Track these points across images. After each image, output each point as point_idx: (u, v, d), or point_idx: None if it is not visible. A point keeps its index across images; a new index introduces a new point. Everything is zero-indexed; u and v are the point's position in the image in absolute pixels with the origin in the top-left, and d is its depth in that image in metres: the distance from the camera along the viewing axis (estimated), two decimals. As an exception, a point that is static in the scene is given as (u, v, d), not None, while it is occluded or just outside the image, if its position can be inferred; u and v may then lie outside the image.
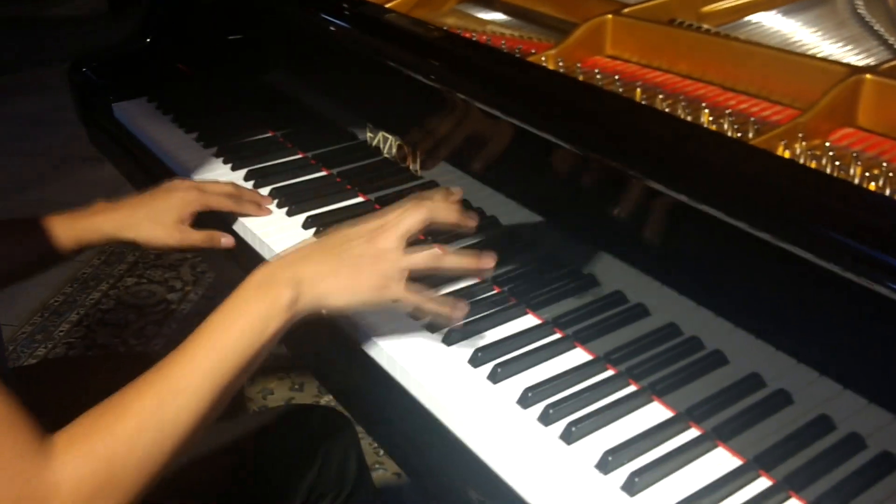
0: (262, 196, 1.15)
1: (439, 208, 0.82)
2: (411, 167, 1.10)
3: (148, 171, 1.36)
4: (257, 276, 0.76)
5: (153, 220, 1.03)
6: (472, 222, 0.85)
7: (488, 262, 0.83)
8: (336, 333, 0.90)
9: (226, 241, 1.08)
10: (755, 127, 0.90)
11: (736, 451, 0.73)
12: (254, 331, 0.72)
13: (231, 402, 0.74)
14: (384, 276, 0.78)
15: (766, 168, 0.76)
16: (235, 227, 1.12)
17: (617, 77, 1.04)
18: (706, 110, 0.94)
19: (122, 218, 1.04)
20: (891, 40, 1.07)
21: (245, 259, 1.09)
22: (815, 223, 0.68)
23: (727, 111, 0.94)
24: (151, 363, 0.71)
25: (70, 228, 1.02)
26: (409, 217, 0.79)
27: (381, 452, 1.77)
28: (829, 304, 0.70)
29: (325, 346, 0.93)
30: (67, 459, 0.66)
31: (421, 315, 0.85)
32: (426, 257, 0.79)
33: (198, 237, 1.06)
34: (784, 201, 0.71)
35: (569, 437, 0.75)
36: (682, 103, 0.96)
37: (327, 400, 1.96)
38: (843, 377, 0.69)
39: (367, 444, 1.48)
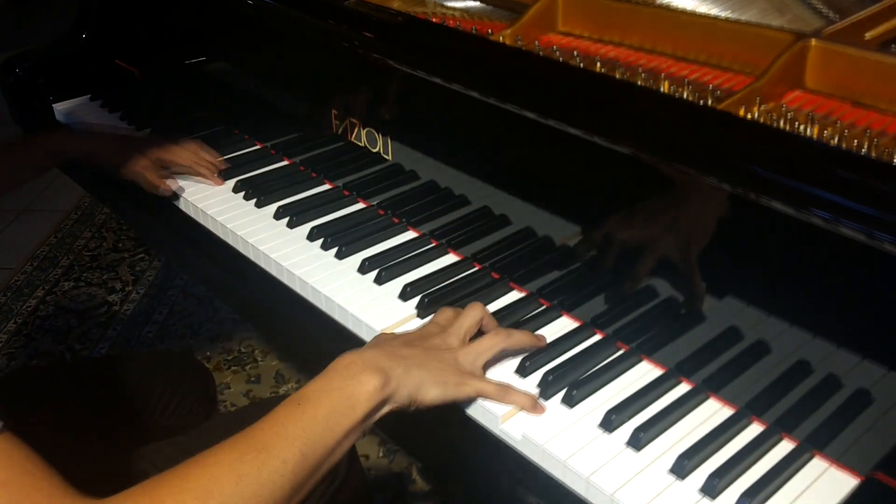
0: (219, 161, 1.24)
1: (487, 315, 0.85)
2: (382, 152, 1.12)
3: (100, 171, 1.33)
4: (345, 359, 0.73)
5: (122, 150, 1.21)
6: (542, 343, 0.86)
7: (543, 341, 0.86)
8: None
9: (164, 188, 1.19)
10: (715, 94, 0.95)
11: (727, 401, 0.79)
12: (341, 410, 0.69)
13: None
14: (462, 371, 0.77)
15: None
16: (216, 228, 1.13)
17: (575, 53, 1.08)
18: (665, 81, 0.99)
19: (102, 143, 1.22)
20: (817, 6, 1.13)
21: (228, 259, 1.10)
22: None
23: (685, 80, 0.99)
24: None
25: (47, 142, 1.19)
26: (466, 317, 0.82)
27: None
28: (794, 257, 0.75)
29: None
30: None
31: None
32: (492, 347, 0.81)
33: (151, 174, 1.20)
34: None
35: (570, 401, 0.79)
36: (642, 75, 1.00)
37: (286, 389, 1.96)
38: (812, 326, 0.75)
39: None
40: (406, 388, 0.72)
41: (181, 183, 1.20)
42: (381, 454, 1.75)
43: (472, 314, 0.82)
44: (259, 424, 0.67)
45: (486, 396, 0.77)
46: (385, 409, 0.72)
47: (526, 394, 0.78)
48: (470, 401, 0.78)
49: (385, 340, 0.78)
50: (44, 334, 2.20)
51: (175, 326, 2.21)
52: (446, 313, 0.83)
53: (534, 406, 0.77)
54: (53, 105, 1.47)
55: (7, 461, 0.58)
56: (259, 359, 2.06)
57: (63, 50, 1.54)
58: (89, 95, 1.49)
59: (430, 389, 0.74)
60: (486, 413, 0.78)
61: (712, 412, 0.78)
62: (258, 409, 0.73)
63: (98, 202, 2.73)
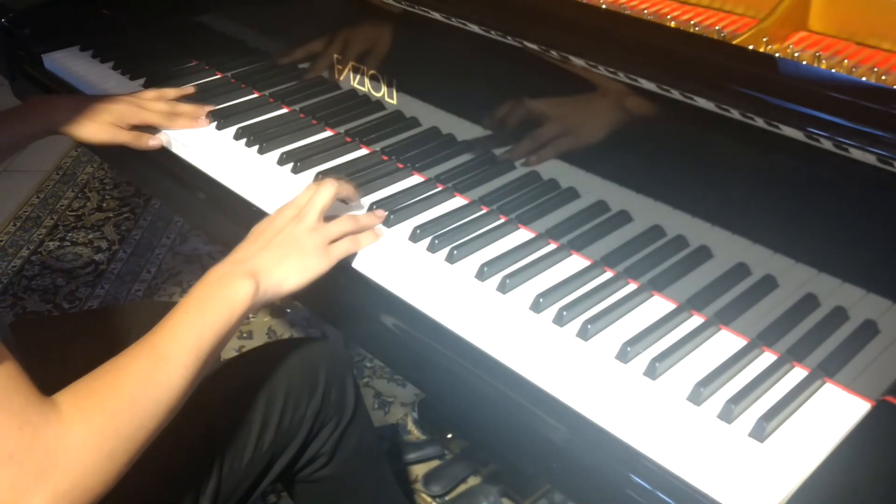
0: (196, 107, 1.22)
1: (340, 185, 0.96)
2: (385, 98, 1.11)
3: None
4: (218, 271, 0.84)
5: (90, 117, 1.14)
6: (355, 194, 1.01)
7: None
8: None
9: (153, 141, 1.18)
10: (721, 35, 0.96)
11: (739, 332, 0.80)
12: (221, 315, 0.80)
13: None
14: (320, 248, 0.89)
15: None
16: (213, 173, 1.12)
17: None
18: (672, 23, 0.99)
19: (61, 112, 1.14)
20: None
21: (228, 205, 1.09)
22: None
23: (692, 23, 0.99)
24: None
25: (13, 122, 1.12)
26: (321, 195, 0.92)
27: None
28: (796, 194, 0.77)
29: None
30: (74, 413, 0.67)
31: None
32: (342, 225, 0.92)
33: (127, 136, 1.16)
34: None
35: (585, 334, 0.80)
36: (649, 18, 1.00)
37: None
38: (817, 261, 0.77)
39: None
40: (272, 285, 0.84)
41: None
42: (375, 406, 1.77)
43: (324, 192, 0.92)
44: (159, 334, 0.77)
45: (343, 257, 0.91)
46: (257, 306, 0.83)
47: (367, 225, 0.95)
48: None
49: (251, 240, 0.89)
50: (31, 294, 2.18)
51: (164, 285, 2.20)
52: (302, 195, 0.93)
53: (377, 235, 0.94)
54: (42, 56, 1.45)
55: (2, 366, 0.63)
56: (251, 315, 2.05)
57: (46, 1, 1.51)
58: (79, 45, 1.46)
59: (292, 278, 0.86)
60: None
61: (725, 343, 0.80)
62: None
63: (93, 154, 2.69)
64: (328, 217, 0.93)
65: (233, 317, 0.80)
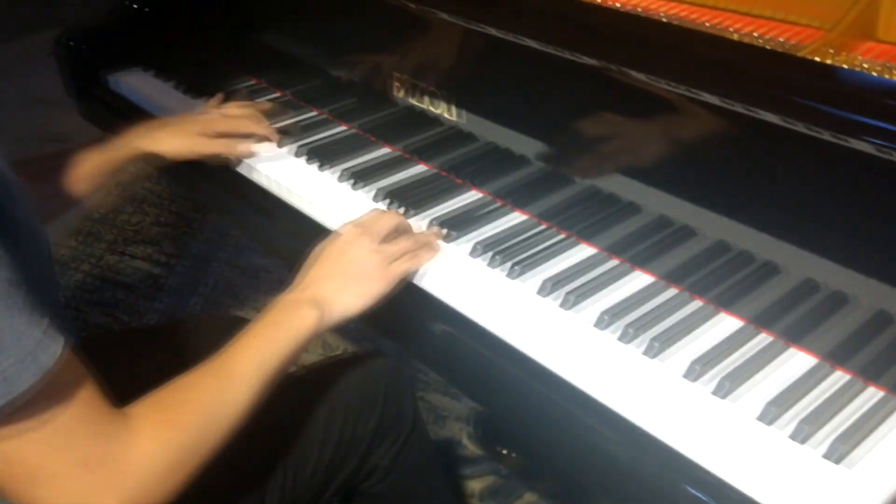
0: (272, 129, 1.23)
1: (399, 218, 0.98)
2: (444, 114, 1.12)
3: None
4: (287, 298, 0.87)
5: (174, 131, 1.14)
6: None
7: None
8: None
9: (243, 147, 1.17)
10: (785, 48, 0.94)
11: (810, 350, 0.79)
12: (287, 341, 0.83)
13: None
14: (380, 270, 0.90)
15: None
16: (275, 189, 1.14)
17: (638, 10, 1.07)
18: (735, 35, 0.98)
19: (145, 130, 1.13)
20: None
21: (290, 222, 1.11)
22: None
23: (755, 34, 0.98)
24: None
25: (100, 153, 1.09)
26: (385, 220, 0.94)
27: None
28: (864, 208, 0.76)
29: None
30: (145, 425, 0.70)
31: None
32: (402, 245, 0.93)
33: (220, 144, 1.16)
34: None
35: (652, 352, 0.79)
36: (712, 31, 0.99)
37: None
38: (891, 278, 0.75)
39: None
40: (336, 311, 0.87)
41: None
42: (430, 419, 1.77)
43: (389, 217, 0.95)
44: (229, 354, 0.79)
45: (403, 277, 0.92)
46: (322, 330, 0.86)
47: (430, 248, 0.95)
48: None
49: (315, 264, 0.90)
50: (92, 307, 2.23)
51: (221, 298, 2.24)
52: (366, 216, 0.95)
53: (434, 250, 0.95)
54: (107, 76, 1.49)
55: (76, 378, 0.65)
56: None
57: (114, 21, 1.55)
58: (142, 65, 1.50)
59: (354, 304, 0.88)
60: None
61: (795, 361, 0.79)
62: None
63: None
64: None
65: (298, 342, 0.83)
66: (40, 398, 0.62)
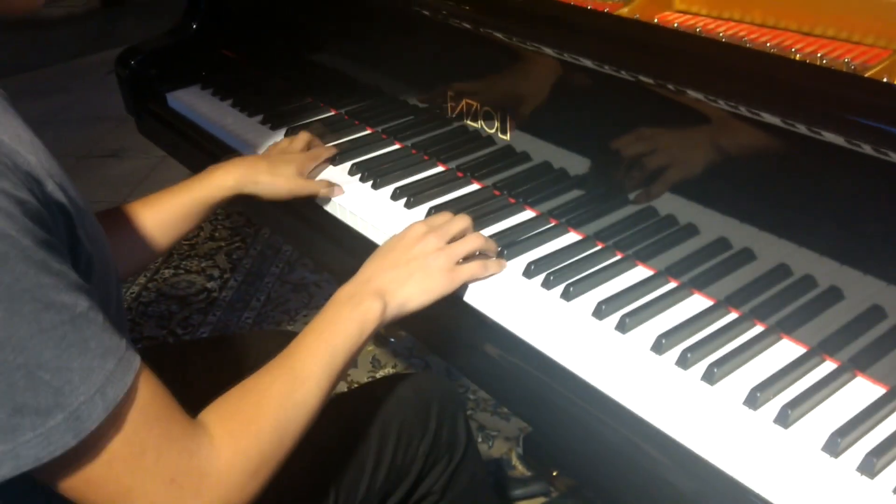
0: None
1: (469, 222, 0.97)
2: (498, 133, 1.12)
3: (213, 156, 1.36)
4: (346, 290, 0.87)
5: (272, 172, 1.12)
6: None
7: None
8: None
9: (339, 188, 1.17)
10: (850, 68, 0.92)
11: (876, 379, 0.76)
12: (353, 334, 0.82)
13: None
14: (445, 269, 0.90)
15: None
16: (329, 207, 1.14)
17: (698, 30, 1.06)
18: (797, 55, 0.96)
19: (243, 171, 1.11)
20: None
21: (342, 238, 1.12)
22: None
23: (818, 55, 0.95)
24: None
25: (191, 194, 1.08)
26: (457, 222, 0.94)
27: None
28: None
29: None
30: (223, 435, 0.70)
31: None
32: (470, 243, 0.93)
33: (317, 185, 1.16)
34: None
35: (711, 378, 0.77)
36: (772, 51, 0.97)
37: (383, 374, 1.99)
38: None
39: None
40: (397, 304, 0.86)
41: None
42: (479, 439, 1.75)
43: (461, 220, 0.95)
44: (295, 355, 0.79)
45: (468, 280, 0.91)
46: (385, 323, 0.85)
47: (498, 262, 0.95)
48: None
49: (378, 257, 0.90)
50: (147, 319, 2.27)
51: (272, 312, 2.26)
52: (438, 216, 0.96)
53: (502, 265, 0.95)
54: (166, 94, 1.52)
55: (155, 396, 0.66)
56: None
57: (173, 41, 1.58)
58: (200, 84, 1.53)
59: (416, 298, 0.87)
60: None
61: (862, 390, 0.76)
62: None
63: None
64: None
65: (363, 335, 0.83)
66: (122, 421, 0.63)
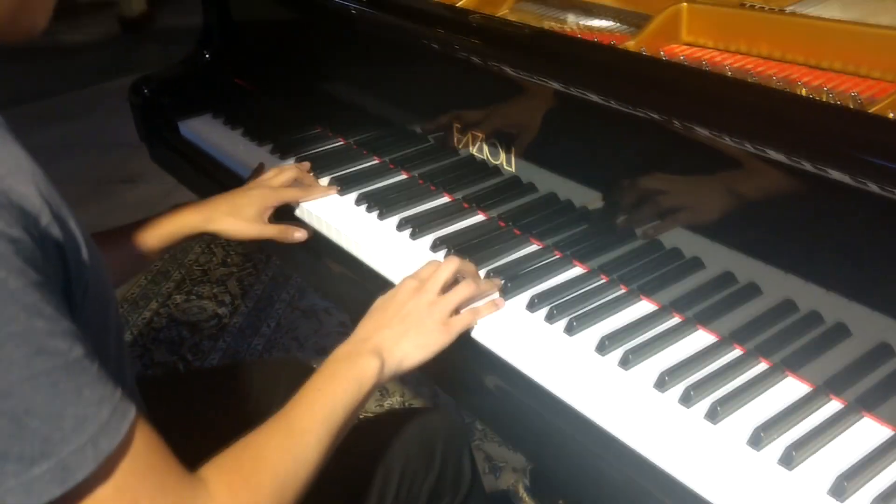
0: (320, 185, 1.25)
1: (463, 263, 0.97)
2: (503, 164, 1.12)
3: (222, 184, 1.37)
4: (344, 349, 0.87)
5: (234, 214, 1.13)
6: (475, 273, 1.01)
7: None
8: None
9: (298, 234, 1.17)
10: (857, 101, 0.91)
11: (884, 420, 0.75)
12: (351, 391, 0.82)
13: None
14: (439, 323, 0.90)
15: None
16: (334, 237, 1.15)
17: (704, 62, 1.06)
18: (802, 89, 0.95)
19: (206, 213, 1.13)
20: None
21: (347, 269, 1.11)
22: None
23: (824, 88, 0.95)
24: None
25: (157, 228, 1.10)
26: (443, 271, 0.94)
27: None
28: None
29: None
30: (221, 489, 0.69)
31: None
32: (461, 293, 0.93)
33: (273, 230, 1.16)
34: None
35: (714, 417, 0.76)
36: (777, 84, 0.97)
37: (391, 402, 1.98)
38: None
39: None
40: (395, 360, 0.86)
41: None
42: (486, 470, 1.74)
43: (446, 268, 0.94)
44: (294, 410, 0.79)
45: (463, 330, 0.91)
46: (384, 381, 0.85)
47: (492, 303, 0.95)
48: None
49: (374, 316, 0.91)
50: (158, 345, 2.28)
51: (282, 339, 2.26)
52: (425, 268, 0.95)
53: (497, 305, 0.95)
54: (178, 122, 1.53)
55: (150, 446, 0.64)
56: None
57: (186, 70, 1.60)
58: (211, 113, 1.54)
59: (413, 355, 0.88)
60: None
61: (869, 432, 0.74)
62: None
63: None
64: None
65: (361, 391, 0.82)
66: (114, 471, 0.61)
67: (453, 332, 0.90)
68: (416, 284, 0.92)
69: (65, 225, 0.66)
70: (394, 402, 1.99)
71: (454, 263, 0.95)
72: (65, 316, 0.60)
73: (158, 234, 1.10)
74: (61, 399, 0.57)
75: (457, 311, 0.93)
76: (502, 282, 0.98)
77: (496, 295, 0.97)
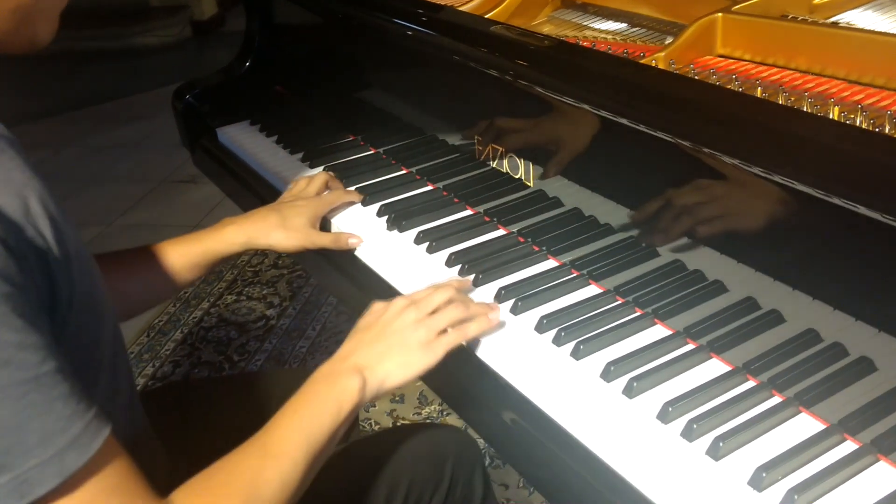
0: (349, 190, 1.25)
1: (460, 294, 0.94)
2: (524, 178, 1.09)
3: (255, 192, 1.38)
4: (325, 369, 0.84)
5: (285, 226, 1.11)
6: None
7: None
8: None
9: (353, 240, 1.15)
10: (893, 120, 0.86)
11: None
12: (330, 412, 0.79)
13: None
14: (424, 342, 0.86)
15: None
16: (358, 252, 1.14)
17: (734, 76, 1.01)
18: (836, 107, 0.90)
19: (254, 227, 1.11)
20: None
21: (367, 281, 1.11)
22: None
23: (859, 106, 0.90)
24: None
25: (202, 245, 1.08)
26: (437, 295, 0.90)
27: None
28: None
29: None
30: None
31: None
32: (449, 314, 0.89)
33: (327, 239, 1.14)
34: None
35: (716, 453, 0.72)
36: (809, 100, 0.92)
37: (429, 410, 1.96)
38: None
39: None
40: (378, 379, 0.83)
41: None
42: (520, 485, 1.71)
43: (442, 293, 0.91)
44: (269, 433, 0.76)
45: (449, 349, 0.87)
46: (366, 401, 0.82)
47: (482, 321, 0.91)
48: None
49: (357, 334, 0.88)
50: (206, 345, 2.32)
51: (326, 343, 2.27)
52: (423, 290, 0.92)
53: (490, 322, 0.91)
54: (217, 129, 1.55)
55: (119, 467, 0.63)
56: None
57: (228, 77, 1.62)
58: (249, 120, 1.55)
59: (395, 374, 0.84)
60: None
61: (885, 477, 0.70)
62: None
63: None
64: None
65: (341, 412, 0.80)
66: (78, 489, 0.60)
67: (439, 351, 0.86)
68: (406, 303, 0.89)
69: (61, 235, 0.65)
70: (432, 409, 1.98)
71: (452, 289, 0.92)
72: (39, 329, 0.59)
73: (203, 252, 1.07)
74: (27, 412, 0.57)
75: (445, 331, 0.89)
76: (499, 306, 0.95)
77: (497, 315, 0.94)
